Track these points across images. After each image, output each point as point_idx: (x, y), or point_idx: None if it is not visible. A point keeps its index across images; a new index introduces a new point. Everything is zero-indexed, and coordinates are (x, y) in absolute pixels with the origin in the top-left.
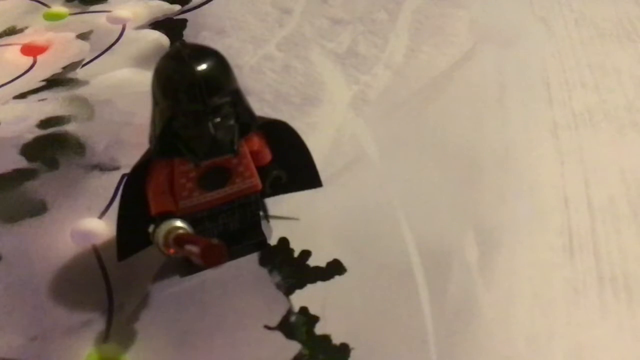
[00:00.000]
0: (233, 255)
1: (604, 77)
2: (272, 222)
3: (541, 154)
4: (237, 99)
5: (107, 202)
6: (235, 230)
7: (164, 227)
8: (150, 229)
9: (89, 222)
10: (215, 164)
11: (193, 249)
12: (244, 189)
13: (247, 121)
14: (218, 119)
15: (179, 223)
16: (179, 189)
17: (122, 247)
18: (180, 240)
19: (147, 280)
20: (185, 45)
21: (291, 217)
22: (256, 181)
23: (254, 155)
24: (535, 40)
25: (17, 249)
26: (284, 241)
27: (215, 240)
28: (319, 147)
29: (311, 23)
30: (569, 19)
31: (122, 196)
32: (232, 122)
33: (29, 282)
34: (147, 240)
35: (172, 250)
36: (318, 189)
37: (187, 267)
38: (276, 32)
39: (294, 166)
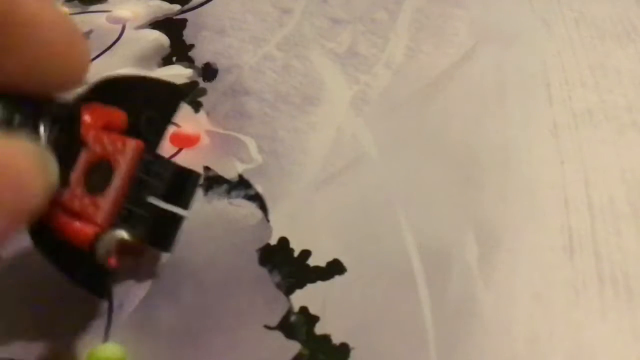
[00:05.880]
0: (187, 205)
1: (604, 77)
2: (273, 221)
3: (541, 154)
4: (39, 110)
5: None
6: (165, 190)
7: (107, 244)
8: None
9: None
10: (87, 166)
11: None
12: (132, 158)
13: (65, 112)
14: (43, 135)
15: (119, 234)
16: (84, 211)
17: (93, 290)
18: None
19: (147, 280)
20: None
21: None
22: (133, 142)
23: (109, 124)
24: (535, 40)
25: (17, 248)
26: (284, 241)
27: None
28: (319, 147)
29: (311, 23)
30: (569, 19)
31: (49, 257)
32: (56, 131)
33: (29, 282)
34: (104, 269)
35: (114, 262)
36: (318, 188)
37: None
38: (276, 32)
39: (149, 100)
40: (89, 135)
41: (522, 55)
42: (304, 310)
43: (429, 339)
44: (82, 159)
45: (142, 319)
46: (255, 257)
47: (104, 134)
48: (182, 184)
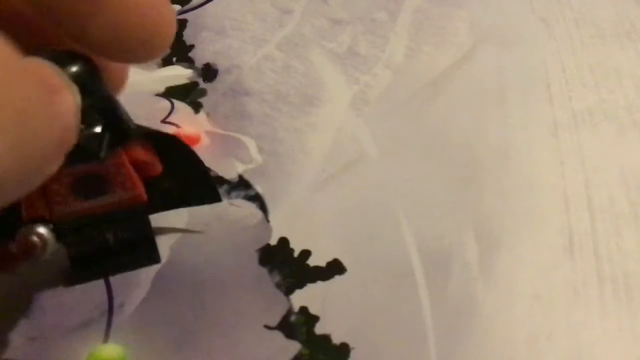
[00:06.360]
0: (120, 268)
1: (604, 77)
2: (273, 221)
3: (541, 154)
4: (108, 106)
5: None
6: (127, 240)
7: (25, 231)
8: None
9: None
10: (89, 171)
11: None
12: (126, 199)
13: (123, 129)
14: (81, 126)
15: (41, 230)
16: (52, 194)
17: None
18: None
19: (147, 280)
20: (47, 49)
21: (189, 230)
22: (139, 192)
23: (141, 166)
24: (535, 40)
25: None
26: (284, 241)
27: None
28: (319, 147)
29: (311, 23)
30: (569, 19)
31: None
32: (97, 129)
33: (29, 282)
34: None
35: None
36: (318, 188)
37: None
38: (276, 32)
39: (187, 180)
40: (118, 158)
41: (522, 55)
42: (304, 310)
43: (429, 339)
44: (103, 166)
45: (142, 319)
46: (255, 257)
47: (127, 165)
48: (137, 252)
